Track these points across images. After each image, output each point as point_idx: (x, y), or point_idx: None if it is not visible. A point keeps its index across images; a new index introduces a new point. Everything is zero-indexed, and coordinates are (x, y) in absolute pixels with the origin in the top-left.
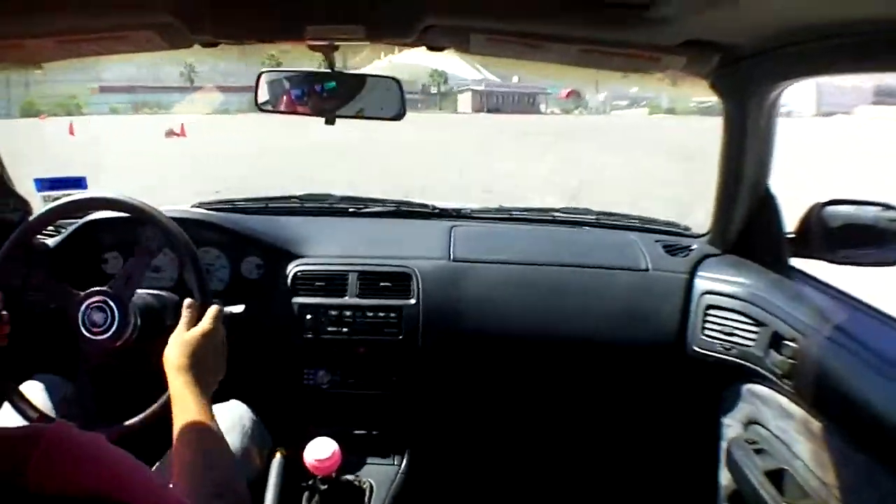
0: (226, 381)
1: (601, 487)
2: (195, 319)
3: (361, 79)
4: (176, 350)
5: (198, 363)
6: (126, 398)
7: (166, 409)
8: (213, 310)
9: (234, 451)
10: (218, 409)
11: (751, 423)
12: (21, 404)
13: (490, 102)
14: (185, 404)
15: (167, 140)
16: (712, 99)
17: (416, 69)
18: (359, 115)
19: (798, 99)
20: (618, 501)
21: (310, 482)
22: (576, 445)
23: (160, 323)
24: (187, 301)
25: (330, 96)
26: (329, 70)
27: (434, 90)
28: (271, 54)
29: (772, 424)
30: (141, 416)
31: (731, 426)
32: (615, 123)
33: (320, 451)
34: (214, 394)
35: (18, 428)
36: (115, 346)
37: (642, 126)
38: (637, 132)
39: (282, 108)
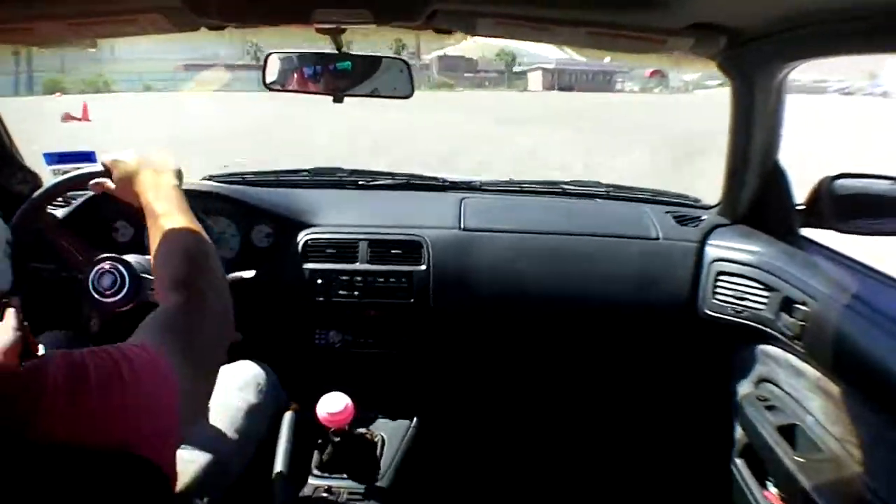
0: (240, 341)
1: (615, 449)
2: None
3: (376, 60)
4: (122, 180)
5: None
6: None
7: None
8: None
9: (249, 408)
10: (233, 368)
11: (763, 381)
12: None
13: (562, 80)
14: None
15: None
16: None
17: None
18: (373, 94)
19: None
20: (632, 461)
21: (322, 437)
22: (588, 408)
23: None
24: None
25: (343, 75)
26: (338, 51)
27: (503, 68)
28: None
29: (783, 383)
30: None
31: (744, 385)
32: (688, 102)
33: (333, 404)
34: (229, 353)
35: (27, 363)
36: (122, 310)
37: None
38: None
39: (292, 86)
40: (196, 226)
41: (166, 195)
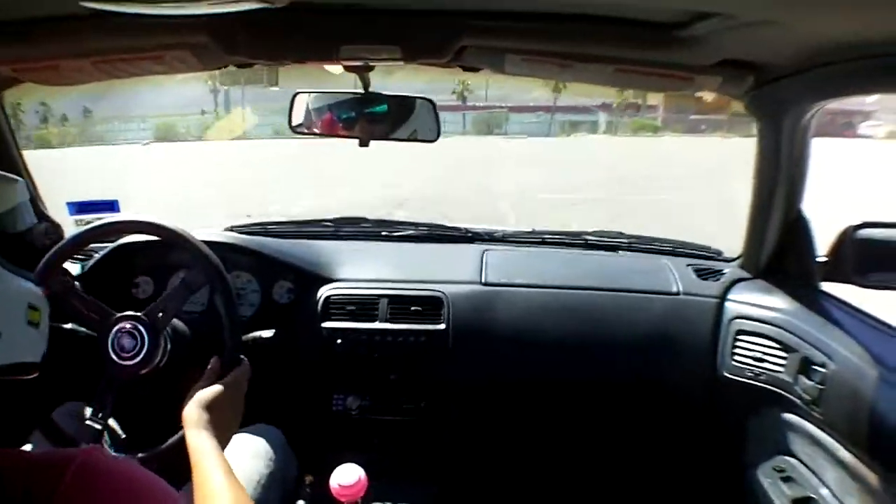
0: (255, 404)
1: None
2: (217, 376)
3: (411, 101)
4: (195, 407)
5: (216, 422)
6: (149, 424)
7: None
8: (241, 368)
9: (261, 478)
10: (246, 432)
11: (778, 449)
12: (51, 431)
13: None
14: (201, 460)
15: None
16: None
17: None
18: (411, 138)
19: None
20: None
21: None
22: (603, 471)
23: (188, 351)
24: (214, 359)
25: (375, 118)
26: (365, 90)
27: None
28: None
29: (800, 451)
30: (160, 447)
31: (759, 452)
32: None
33: (346, 476)
34: (243, 417)
35: (49, 452)
36: (141, 373)
37: None
38: None
39: (319, 129)
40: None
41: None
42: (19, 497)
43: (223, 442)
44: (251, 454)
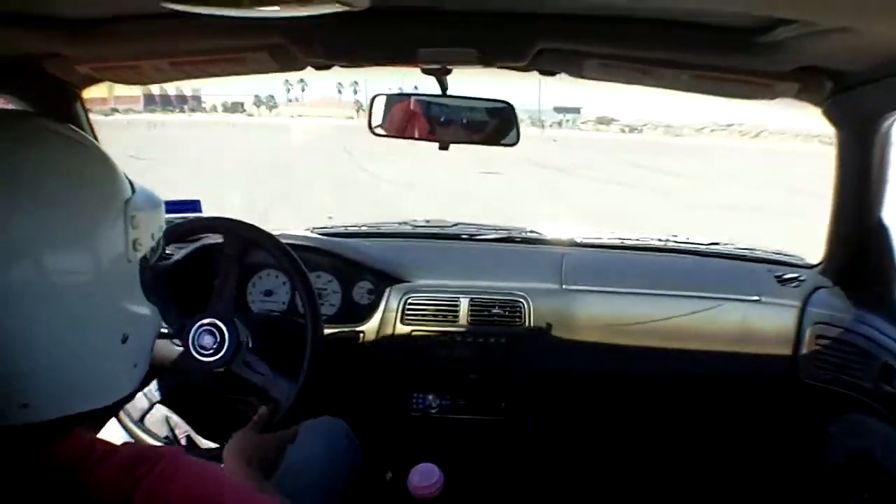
0: (333, 402)
1: None
2: (262, 424)
3: (491, 104)
4: (235, 452)
5: (250, 471)
6: (226, 421)
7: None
8: (288, 432)
9: (322, 464)
10: (316, 423)
11: (858, 453)
12: (132, 426)
13: None
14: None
15: None
16: None
17: None
18: (490, 142)
19: None
20: None
21: None
22: (682, 468)
23: (270, 345)
24: (263, 408)
25: (458, 122)
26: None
27: None
28: None
29: (879, 456)
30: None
31: (838, 457)
32: None
33: (423, 473)
34: (317, 408)
35: (133, 448)
36: (218, 370)
37: None
38: None
39: (398, 132)
40: None
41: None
42: (109, 484)
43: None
44: (316, 445)
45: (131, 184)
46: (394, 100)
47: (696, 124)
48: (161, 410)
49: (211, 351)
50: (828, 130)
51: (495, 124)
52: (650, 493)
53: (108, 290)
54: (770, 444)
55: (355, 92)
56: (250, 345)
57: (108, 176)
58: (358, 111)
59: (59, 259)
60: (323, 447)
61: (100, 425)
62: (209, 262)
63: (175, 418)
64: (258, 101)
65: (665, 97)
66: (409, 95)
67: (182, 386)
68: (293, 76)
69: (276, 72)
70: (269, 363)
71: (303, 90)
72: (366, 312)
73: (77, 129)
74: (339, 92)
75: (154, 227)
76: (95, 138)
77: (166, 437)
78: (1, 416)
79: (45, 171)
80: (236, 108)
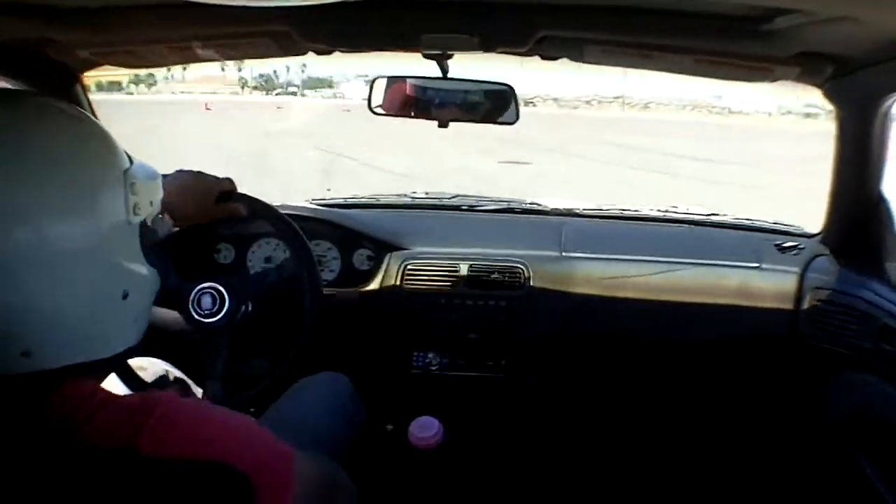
0: (335, 361)
1: (710, 475)
2: None
3: (490, 86)
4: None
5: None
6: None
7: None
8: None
9: (325, 418)
10: (317, 377)
11: (858, 408)
12: (128, 377)
13: None
14: None
15: None
16: None
17: None
18: (489, 120)
19: None
20: (728, 486)
21: (413, 457)
22: (684, 434)
23: (269, 309)
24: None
25: (457, 102)
26: (443, 76)
27: None
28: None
29: (879, 411)
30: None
31: (839, 412)
32: None
33: (423, 425)
34: (320, 366)
35: (133, 395)
36: (220, 328)
37: None
38: None
39: (398, 111)
40: None
41: None
42: (106, 432)
43: None
44: (317, 398)
45: (129, 157)
46: (393, 81)
47: (585, 97)
48: (158, 364)
49: (208, 312)
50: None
51: (493, 103)
52: (650, 450)
53: (111, 249)
54: (771, 402)
55: (239, 69)
56: (249, 309)
57: (107, 148)
58: (243, 87)
59: (64, 223)
60: (325, 400)
61: (100, 379)
62: (210, 231)
63: (169, 367)
64: (136, 80)
65: (556, 72)
66: (410, 77)
67: (179, 342)
68: None
69: (277, 57)
70: (258, 339)
71: (184, 68)
72: (365, 277)
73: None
74: (223, 69)
75: (153, 195)
76: (96, 118)
77: (161, 383)
78: (2, 364)
79: (48, 144)
80: (112, 87)
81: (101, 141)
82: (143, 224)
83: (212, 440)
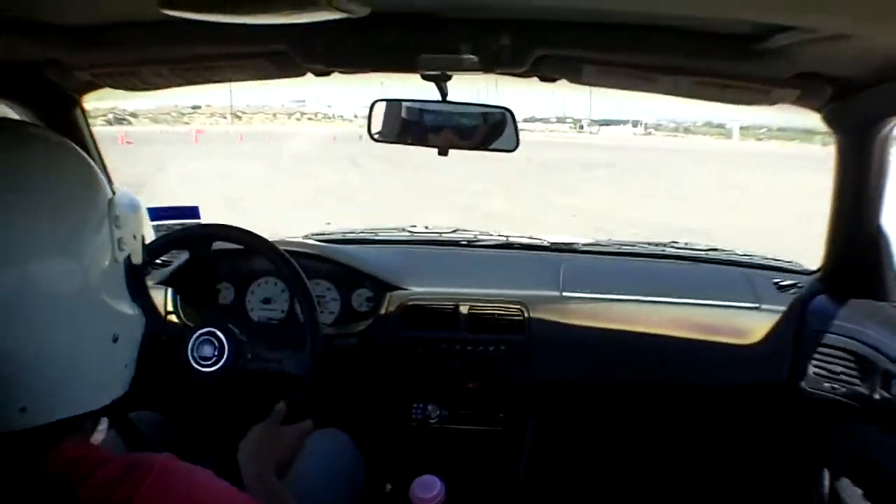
0: (334, 411)
1: None
2: (280, 419)
3: (490, 110)
4: (249, 447)
5: (266, 471)
6: (220, 427)
7: None
8: (306, 424)
9: (325, 477)
10: (319, 435)
11: (860, 462)
12: (128, 431)
13: None
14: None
15: None
16: None
17: None
18: (490, 148)
19: None
20: None
21: None
22: (683, 482)
23: (267, 357)
24: (281, 403)
25: (458, 128)
26: (442, 99)
27: None
28: None
29: (883, 463)
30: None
31: (841, 465)
32: None
33: (425, 485)
34: (318, 419)
35: (130, 455)
36: (219, 378)
37: None
38: None
39: (398, 138)
40: None
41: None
42: (102, 493)
43: (269, 482)
44: (318, 455)
45: (111, 185)
46: (393, 106)
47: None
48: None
49: (211, 360)
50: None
51: (493, 129)
52: (651, 501)
53: (99, 290)
54: (772, 454)
55: None
56: (249, 356)
57: (91, 178)
58: None
59: (50, 265)
60: (325, 459)
61: (93, 433)
62: (209, 270)
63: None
64: None
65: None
66: (409, 101)
67: (181, 398)
68: None
69: (275, 78)
70: (274, 348)
71: None
72: (365, 319)
73: (53, 131)
74: None
75: (136, 228)
76: (95, 145)
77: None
78: (0, 422)
79: (31, 178)
80: None
81: (85, 171)
82: (127, 259)
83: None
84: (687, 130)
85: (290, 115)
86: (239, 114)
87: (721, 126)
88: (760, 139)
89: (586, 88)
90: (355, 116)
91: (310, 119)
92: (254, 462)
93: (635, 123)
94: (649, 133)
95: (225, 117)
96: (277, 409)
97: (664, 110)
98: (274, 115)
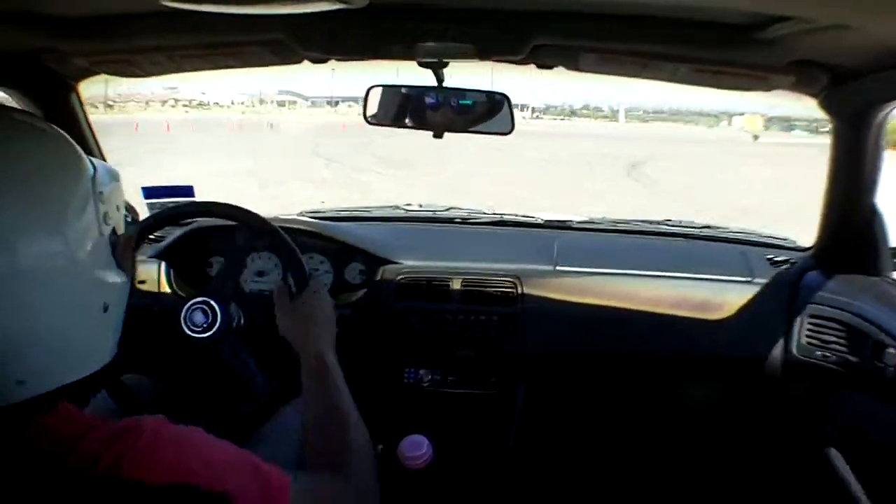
0: None
1: (703, 496)
2: (289, 296)
3: (486, 95)
4: (286, 320)
5: (309, 322)
6: (217, 391)
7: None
8: (313, 283)
9: None
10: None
11: (852, 428)
12: (120, 394)
13: None
14: (325, 377)
15: None
16: None
17: None
18: (485, 131)
19: None
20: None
21: (403, 476)
22: (676, 453)
23: (261, 322)
24: (279, 286)
25: (454, 112)
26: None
27: None
28: None
29: (873, 430)
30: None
31: (832, 432)
32: None
33: (413, 444)
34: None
35: (120, 420)
36: (212, 344)
37: None
38: None
39: (393, 121)
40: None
41: (336, 368)
42: (91, 459)
43: (325, 341)
44: None
45: (91, 161)
46: (388, 90)
47: None
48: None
49: (201, 328)
50: None
51: (488, 113)
52: (642, 470)
53: (88, 265)
54: (763, 425)
55: None
56: (241, 322)
57: (73, 157)
58: None
59: (40, 247)
60: None
61: (87, 398)
62: (201, 245)
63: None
64: None
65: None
66: (405, 86)
67: (169, 359)
68: None
69: (273, 65)
70: (254, 353)
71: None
72: (358, 291)
73: (37, 116)
74: None
75: (118, 200)
76: (91, 131)
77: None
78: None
79: (16, 164)
80: None
81: (67, 150)
82: (112, 231)
83: (197, 466)
84: (573, 114)
85: (163, 102)
86: (110, 102)
87: (599, 109)
88: (646, 121)
89: (477, 71)
90: (232, 103)
91: (184, 106)
92: (311, 336)
93: (523, 108)
94: (537, 117)
95: (97, 106)
96: (278, 292)
97: (552, 97)
98: (147, 102)
